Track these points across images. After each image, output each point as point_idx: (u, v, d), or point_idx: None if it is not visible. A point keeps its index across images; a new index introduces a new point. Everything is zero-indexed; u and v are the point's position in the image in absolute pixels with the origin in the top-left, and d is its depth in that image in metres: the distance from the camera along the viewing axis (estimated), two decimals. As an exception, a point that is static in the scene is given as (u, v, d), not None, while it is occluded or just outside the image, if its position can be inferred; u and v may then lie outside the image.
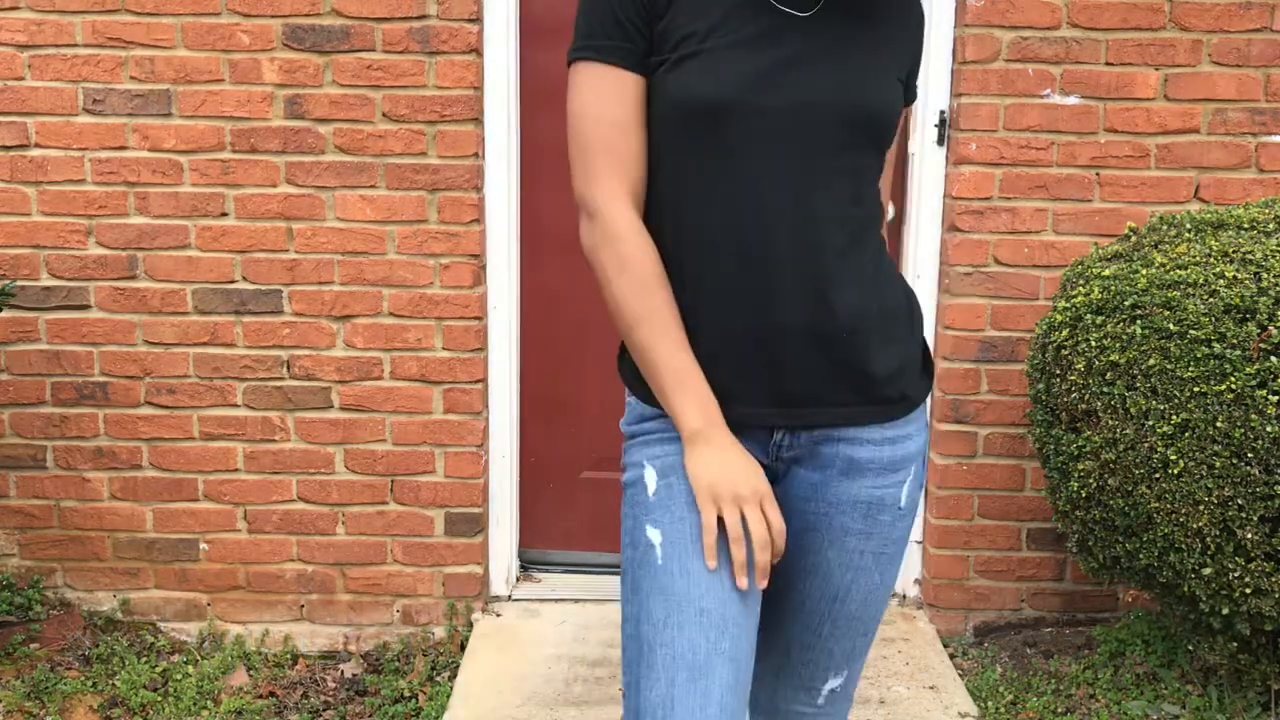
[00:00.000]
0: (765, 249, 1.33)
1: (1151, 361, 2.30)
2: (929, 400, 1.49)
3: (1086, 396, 2.43)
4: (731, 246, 1.34)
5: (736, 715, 1.30)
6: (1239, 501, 2.23)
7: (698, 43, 1.32)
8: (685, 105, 1.32)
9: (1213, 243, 2.42)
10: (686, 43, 1.32)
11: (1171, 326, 2.29)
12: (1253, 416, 2.20)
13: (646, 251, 1.35)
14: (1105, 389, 2.38)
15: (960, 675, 2.81)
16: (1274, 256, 2.32)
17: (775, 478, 1.45)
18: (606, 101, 1.34)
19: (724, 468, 1.33)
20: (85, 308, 2.92)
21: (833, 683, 1.51)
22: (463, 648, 2.94)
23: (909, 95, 1.48)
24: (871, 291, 1.39)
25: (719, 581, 1.31)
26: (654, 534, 1.35)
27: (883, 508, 1.43)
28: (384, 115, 2.83)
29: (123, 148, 2.85)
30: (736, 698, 1.30)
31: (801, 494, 1.44)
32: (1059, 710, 2.67)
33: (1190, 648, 2.54)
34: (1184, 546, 2.31)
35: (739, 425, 1.37)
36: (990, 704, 2.70)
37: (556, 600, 3.14)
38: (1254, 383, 2.20)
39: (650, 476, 1.39)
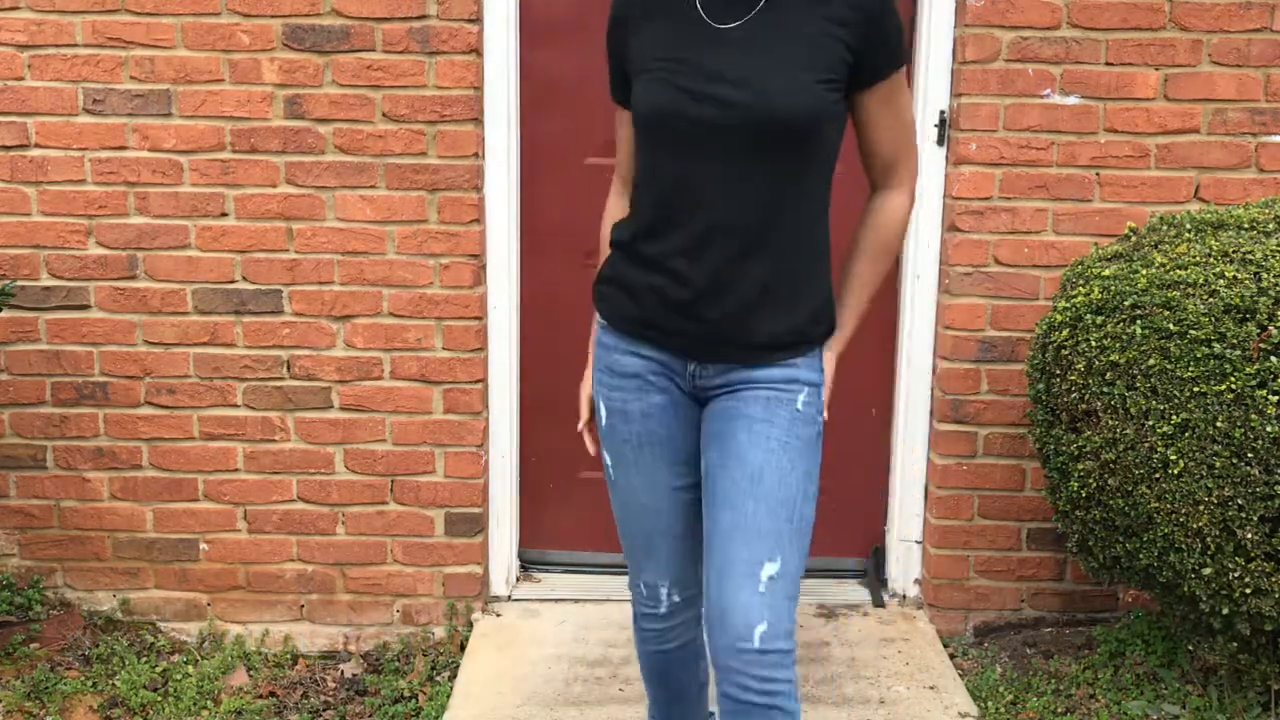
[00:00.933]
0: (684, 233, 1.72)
1: (1151, 361, 2.30)
2: (825, 353, 1.83)
3: (1086, 396, 2.43)
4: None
5: (680, 563, 1.89)
6: (1239, 501, 2.23)
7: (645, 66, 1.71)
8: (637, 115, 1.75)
9: (1213, 243, 2.42)
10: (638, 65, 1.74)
11: (1171, 326, 2.29)
12: (1253, 416, 2.20)
13: (610, 214, 1.92)
14: (1105, 389, 2.38)
15: (960, 675, 2.81)
16: (1274, 256, 2.32)
17: (701, 402, 1.81)
18: (619, 125, 1.91)
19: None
20: (85, 308, 2.92)
21: (769, 568, 1.66)
22: (463, 648, 2.94)
23: (880, 72, 1.67)
24: (774, 277, 1.70)
25: (652, 488, 1.85)
26: (606, 457, 1.90)
27: (780, 404, 1.72)
28: (384, 115, 2.83)
29: (123, 148, 2.85)
30: (679, 554, 1.89)
31: (719, 404, 1.77)
32: (1059, 710, 2.67)
33: (1190, 648, 2.54)
34: (1184, 546, 2.31)
35: (665, 356, 1.78)
36: (990, 704, 2.70)
37: (556, 600, 3.14)
38: (1254, 383, 2.20)
39: (602, 410, 1.86)
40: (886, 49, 1.65)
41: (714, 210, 1.67)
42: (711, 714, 2.25)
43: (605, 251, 1.89)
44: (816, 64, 1.61)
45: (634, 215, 1.80)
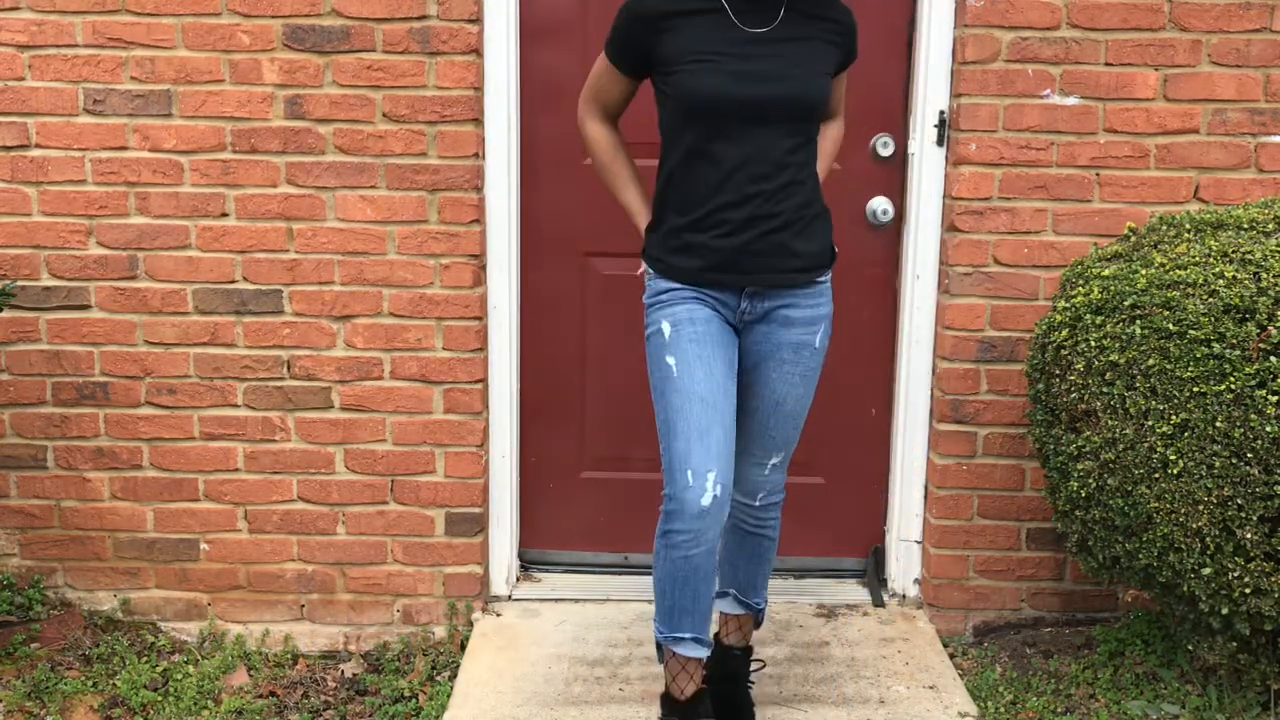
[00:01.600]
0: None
1: (1151, 361, 2.30)
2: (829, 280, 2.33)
3: (1086, 396, 2.43)
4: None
5: (726, 458, 2.18)
6: (1239, 501, 2.23)
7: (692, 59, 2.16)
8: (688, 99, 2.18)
9: (1212, 243, 2.42)
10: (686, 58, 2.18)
11: (1171, 326, 2.29)
12: (1252, 416, 2.20)
13: (603, 141, 2.35)
14: (1105, 389, 2.38)
15: (960, 675, 2.81)
16: (1273, 256, 2.32)
17: (740, 332, 2.29)
18: (601, 74, 2.32)
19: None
20: (86, 308, 2.92)
21: (774, 459, 2.38)
22: (463, 647, 2.94)
23: (846, 65, 2.33)
24: (800, 216, 2.23)
25: (710, 381, 2.18)
26: (670, 360, 2.21)
27: (804, 346, 2.29)
28: (384, 115, 2.83)
29: (123, 148, 2.85)
30: (725, 447, 2.19)
31: (757, 340, 2.29)
32: (1059, 710, 2.67)
33: (1190, 647, 2.54)
34: (1183, 546, 2.32)
35: (721, 289, 2.24)
36: (990, 704, 2.70)
37: (556, 600, 3.14)
38: (1253, 383, 2.20)
39: (666, 328, 2.23)
40: (853, 52, 2.32)
41: (750, 169, 2.16)
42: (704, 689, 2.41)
43: (622, 188, 2.35)
44: (825, 62, 2.22)
45: (678, 186, 2.22)
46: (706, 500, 2.14)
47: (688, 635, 2.28)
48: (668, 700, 2.37)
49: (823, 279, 2.30)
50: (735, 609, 2.53)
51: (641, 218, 2.33)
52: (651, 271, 2.29)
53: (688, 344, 2.20)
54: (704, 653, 2.31)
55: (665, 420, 2.21)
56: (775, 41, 2.16)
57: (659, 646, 2.35)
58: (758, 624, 2.58)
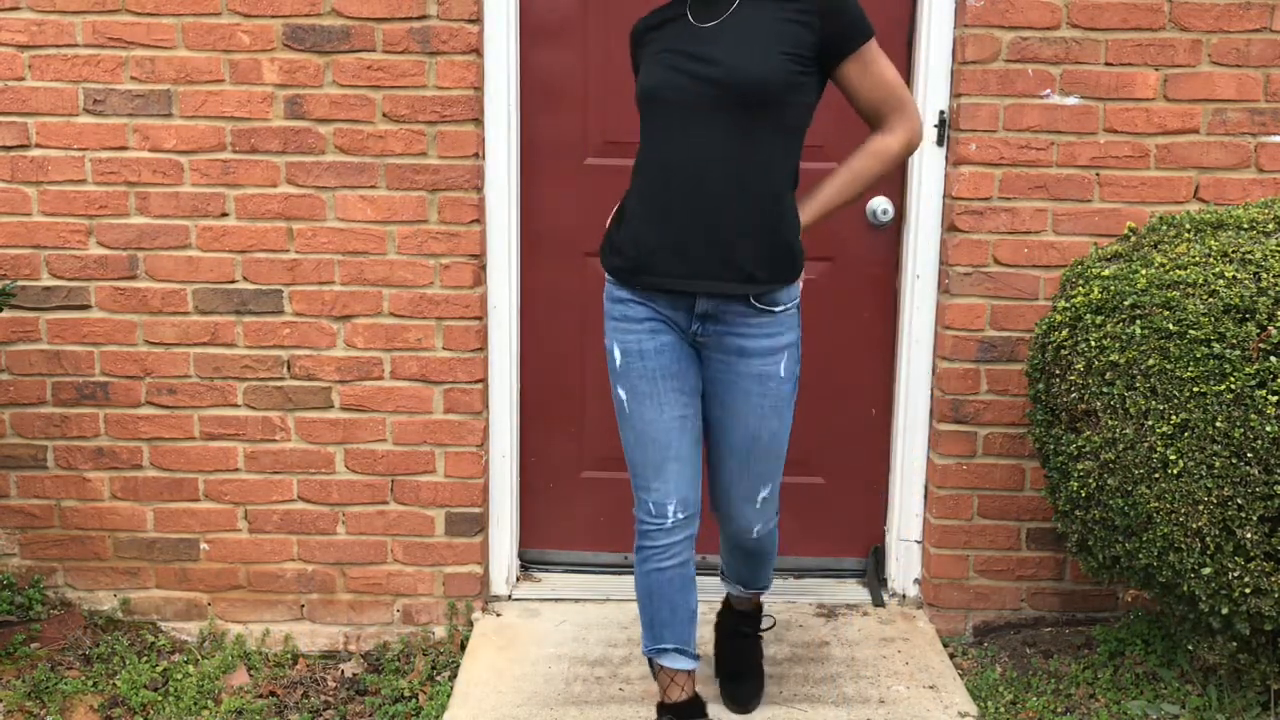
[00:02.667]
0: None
1: (1151, 361, 2.30)
2: (796, 307, 2.24)
3: (1086, 396, 2.43)
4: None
5: (685, 481, 2.22)
6: (1238, 501, 2.23)
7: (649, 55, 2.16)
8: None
9: (1212, 243, 2.42)
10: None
11: (1171, 326, 2.29)
12: (1252, 416, 2.20)
13: None
14: (1105, 389, 2.38)
15: (960, 675, 2.81)
16: (1273, 256, 2.32)
17: (700, 358, 2.24)
18: None
19: None
20: (86, 308, 2.93)
21: (763, 492, 2.33)
22: (463, 647, 2.94)
23: (847, 45, 2.09)
24: (747, 219, 2.09)
25: (659, 420, 2.19)
26: (622, 393, 2.22)
27: (768, 377, 2.20)
28: (384, 115, 2.84)
29: (123, 148, 2.85)
30: (683, 474, 2.21)
31: (719, 371, 2.22)
32: (1059, 710, 2.67)
33: (1190, 647, 2.54)
34: (1183, 546, 2.32)
35: (668, 304, 2.18)
36: (990, 704, 2.70)
37: (556, 600, 3.14)
38: (1253, 383, 2.20)
39: (617, 355, 2.22)
40: (847, 28, 2.07)
41: (694, 166, 2.08)
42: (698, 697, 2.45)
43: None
44: (779, 41, 2.04)
45: (636, 181, 2.18)
46: (669, 524, 2.24)
47: (670, 646, 2.34)
48: (662, 707, 2.42)
49: (778, 308, 2.18)
50: (741, 591, 2.61)
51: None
52: (608, 275, 2.27)
53: (636, 380, 2.21)
54: (690, 665, 2.36)
55: (625, 447, 2.27)
56: (721, 29, 2.08)
57: (650, 662, 2.41)
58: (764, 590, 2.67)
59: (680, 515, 2.23)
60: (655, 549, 2.26)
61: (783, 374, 2.22)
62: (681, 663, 2.35)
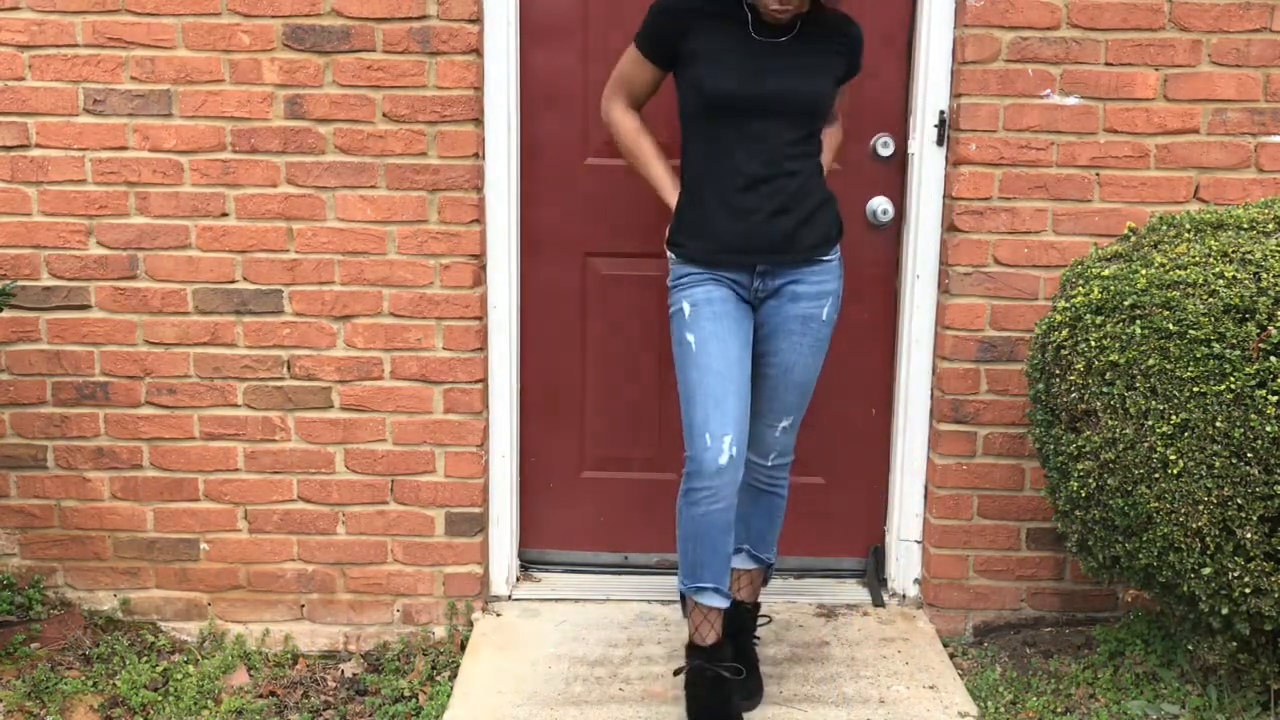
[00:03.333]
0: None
1: (1151, 361, 2.30)
2: (838, 255, 2.54)
3: (1086, 396, 2.43)
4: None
5: (740, 423, 2.40)
6: (1238, 501, 2.23)
7: (711, 57, 2.41)
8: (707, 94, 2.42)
9: (1212, 243, 2.42)
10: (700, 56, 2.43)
11: (1171, 326, 2.29)
12: (1252, 416, 2.20)
13: (628, 124, 2.55)
14: (1105, 389, 2.38)
15: (960, 675, 2.81)
16: (1273, 256, 2.32)
17: (756, 307, 2.51)
18: (631, 64, 2.52)
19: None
20: (86, 308, 2.93)
21: (784, 421, 2.58)
22: (463, 647, 2.94)
23: (850, 76, 2.57)
24: (803, 201, 2.45)
25: (724, 356, 2.40)
26: (690, 337, 2.43)
27: (811, 320, 2.50)
28: (384, 115, 2.83)
29: (123, 148, 2.85)
30: (739, 413, 2.41)
31: (769, 314, 2.50)
32: (1059, 710, 2.67)
33: (1190, 647, 2.54)
34: (1183, 546, 2.32)
35: (735, 270, 2.46)
36: (990, 704, 2.70)
37: (556, 600, 3.14)
38: (1253, 383, 2.20)
39: (686, 307, 2.45)
40: (857, 65, 2.54)
41: (758, 159, 2.39)
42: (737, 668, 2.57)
43: (648, 161, 2.53)
44: (831, 69, 2.47)
45: (694, 174, 2.46)
46: (723, 460, 2.37)
47: (709, 585, 2.46)
48: (692, 648, 2.53)
49: (827, 257, 2.50)
50: (748, 564, 2.71)
51: (670, 191, 2.51)
52: (673, 255, 2.50)
53: (705, 322, 2.42)
54: (724, 603, 2.49)
55: (685, 391, 2.43)
56: (785, 47, 2.40)
57: (683, 600, 2.53)
58: (766, 580, 2.78)
59: (734, 452, 2.38)
60: (706, 491, 2.38)
61: (824, 317, 2.51)
62: (718, 600, 2.48)
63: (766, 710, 2.60)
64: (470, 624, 3.03)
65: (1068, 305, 2.50)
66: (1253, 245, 2.37)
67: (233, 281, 2.91)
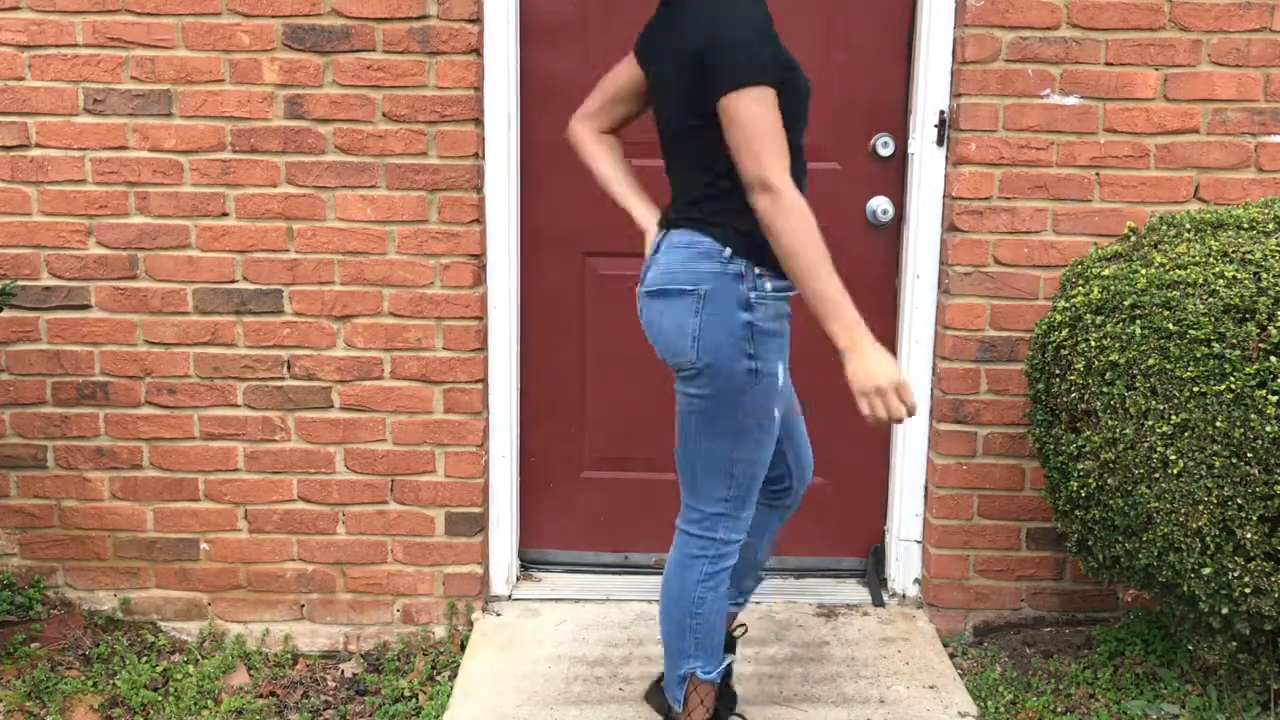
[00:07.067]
0: None
1: (1151, 361, 2.30)
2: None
3: (1086, 396, 2.43)
4: None
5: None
6: (1238, 501, 2.23)
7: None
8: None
9: (1212, 243, 2.42)
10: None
11: (1171, 326, 2.29)
12: (1252, 416, 2.20)
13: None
14: (1105, 389, 2.38)
15: (960, 675, 2.81)
16: (1273, 256, 2.32)
17: None
18: (774, 110, 1.95)
19: (868, 372, 1.94)
20: (86, 307, 2.93)
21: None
22: (463, 647, 2.94)
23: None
24: None
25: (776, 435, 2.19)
26: (777, 413, 2.14)
27: None
28: (384, 115, 2.83)
29: (123, 148, 2.85)
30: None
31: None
32: (1059, 710, 2.67)
33: (1190, 647, 2.55)
34: (1183, 546, 2.32)
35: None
36: (990, 703, 2.70)
37: (556, 600, 3.14)
38: (1254, 383, 2.20)
39: (780, 373, 2.11)
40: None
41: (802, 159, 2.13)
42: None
43: (818, 251, 1.94)
44: None
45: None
46: (784, 484, 2.39)
47: (726, 661, 2.35)
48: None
49: None
50: (739, 607, 2.57)
51: (845, 309, 2.05)
52: (757, 270, 2.06)
53: (781, 400, 2.15)
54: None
55: (745, 468, 2.14)
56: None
57: (692, 686, 2.28)
58: None
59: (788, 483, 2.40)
60: (728, 571, 2.24)
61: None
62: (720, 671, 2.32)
63: (766, 710, 2.60)
64: (470, 624, 3.04)
65: (1068, 305, 2.50)
66: (1253, 245, 2.37)
67: (233, 281, 2.91)
